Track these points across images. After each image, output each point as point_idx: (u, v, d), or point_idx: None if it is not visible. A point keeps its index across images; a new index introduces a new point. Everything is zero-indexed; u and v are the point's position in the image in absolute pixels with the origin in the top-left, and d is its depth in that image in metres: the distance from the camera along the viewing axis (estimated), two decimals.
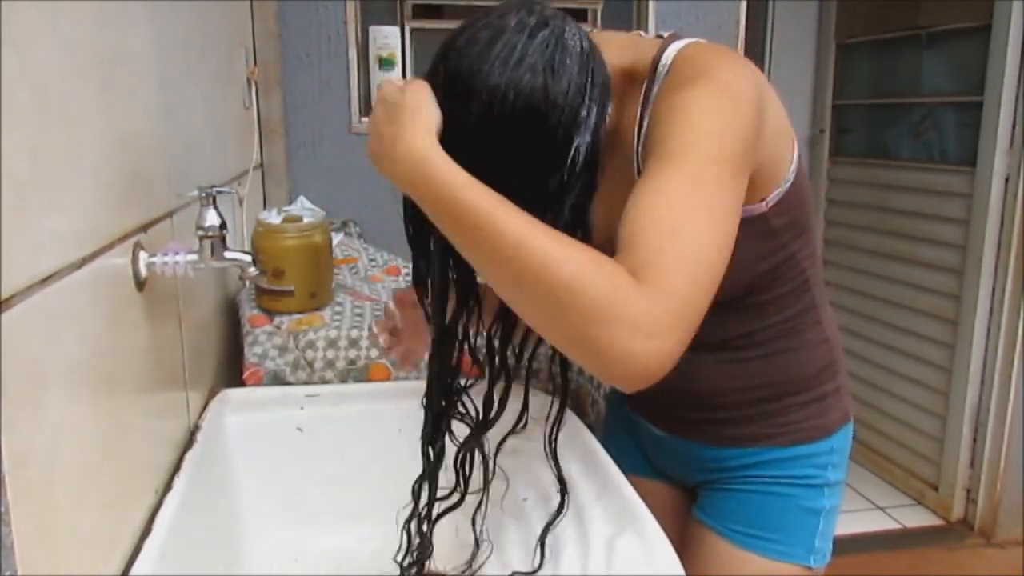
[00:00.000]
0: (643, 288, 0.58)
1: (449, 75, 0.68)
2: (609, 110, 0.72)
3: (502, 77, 0.65)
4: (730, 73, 0.71)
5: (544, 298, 0.60)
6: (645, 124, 0.76)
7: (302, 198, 1.99)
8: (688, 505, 1.00)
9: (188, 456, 0.85)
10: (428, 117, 0.66)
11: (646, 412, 1.01)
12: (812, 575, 0.93)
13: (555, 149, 0.68)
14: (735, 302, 0.85)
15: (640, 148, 0.77)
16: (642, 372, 0.59)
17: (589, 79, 0.68)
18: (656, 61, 0.76)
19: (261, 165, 1.90)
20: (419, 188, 0.64)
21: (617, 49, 0.79)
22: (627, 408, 1.05)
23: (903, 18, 2.68)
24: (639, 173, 0.76)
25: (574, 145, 0.68)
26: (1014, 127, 2.28)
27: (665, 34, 0.80)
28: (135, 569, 0.65)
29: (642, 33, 0.84)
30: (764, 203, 0.79)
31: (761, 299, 0.86)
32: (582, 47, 0.68)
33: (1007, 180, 2.31)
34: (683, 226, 0.62)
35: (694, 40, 0.77)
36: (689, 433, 0.96)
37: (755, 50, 3.07)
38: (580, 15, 2.13)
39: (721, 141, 0.68)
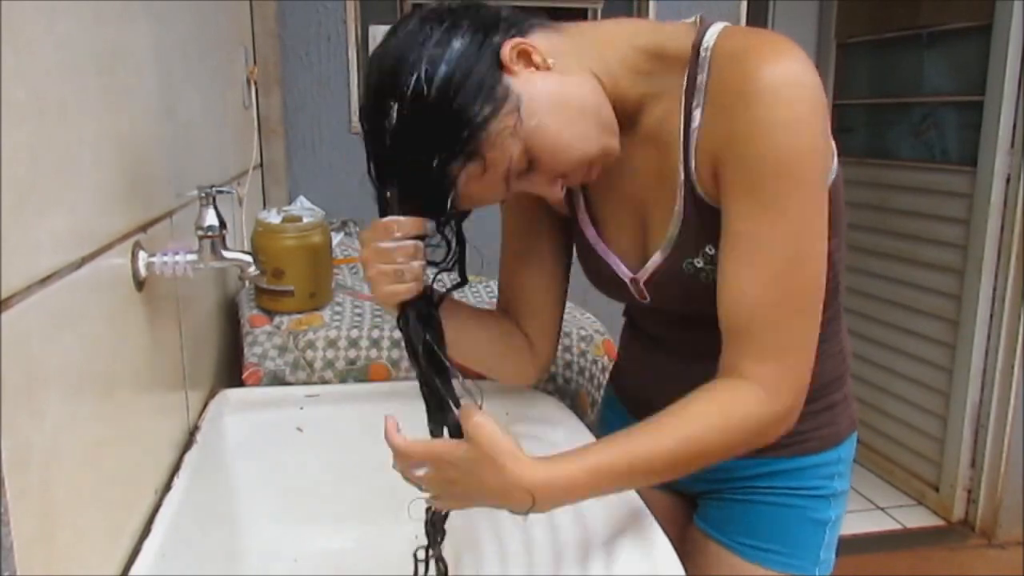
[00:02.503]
0: (778, 408, 0.71)
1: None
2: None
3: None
4: (795, 70, 0.67)
5: (714, 460, 0.72)
6: (697, 118, 0.72)
7: (302, 198, 1.98)
8: (688, 513, 0.98)
9: (188, 456, 0.85)
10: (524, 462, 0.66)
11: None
12: None
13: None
14: None
15: (694, 143, 0.73)
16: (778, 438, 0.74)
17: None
18: (697, 47, 0.72)
19: (261, 165, 1.90)
20: (572, 498, 0.69)
21: (636, 30, 0.76)
22: (628, 417, 1.03)
23: (903, 18, 2.68)
24: (686, 168, 0.74)
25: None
26: (1015, 127, 2.28)
27: (687, 20, 0.77)
28: (135, 569, 0.65)
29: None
30: None
31: None
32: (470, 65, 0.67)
33: (1008, 180, 2.31)
34: (794, 300, 0.70)
35: (728, 24, 0.74)
36: None
37: None
38: (580, 15, 2.13)
39: (808, 170, 0.68)
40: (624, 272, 0.84)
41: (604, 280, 0.87)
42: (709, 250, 0.75)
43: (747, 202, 0.68)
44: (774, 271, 0.68)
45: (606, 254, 0.85)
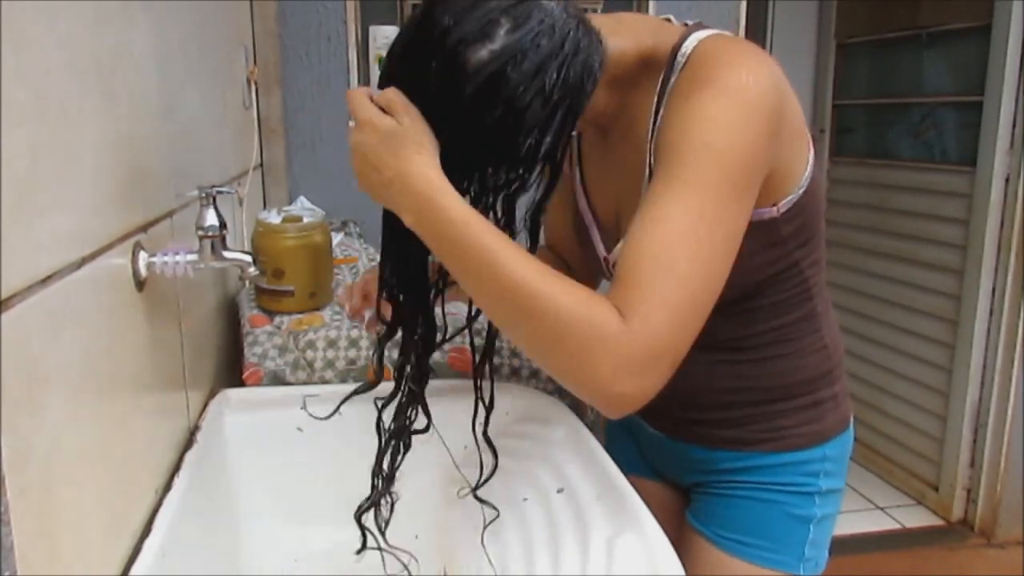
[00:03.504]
0: (629, 329, 0.62)
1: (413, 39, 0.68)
2: (579, 116, 0.70)
3: (462, 44, 0.64)
4: (749, 78, 0.69)
5: (537, 334, 0.65)
6: (660, 118, 0.74)
7: (302, 198, 1.98)
8: (683, 508, 1.00)
9: (188, 456, 0.85)
10: (432, 148, 0.67)
11: (642, 410, 1.01)
12: None
13: (505, 136, 0.67)
14: (731, 306, 0.84)
15: (653, 144, 0.76)
16: (621, 405, 0.65)
17: (557, 76, 0.66)
18: (676, 50, 0.74)
19: (261, 165, 1.90)
20: (425, 221, 0.66)
21: (638, 33, 0.77)
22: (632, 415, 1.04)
23: (903, 18, 2.68)
24: (651, 169, 0.76)
25: (528, 140, 0.67)
26: (1014, 127, 2.28)
27: (690, 22, 0.78)
28: (135, 569, 0.65)
29: (671, 18, 0.82)
30: (776, 208, 0.78)
31: (758, 304, 0.85)
32: (563, 39, 0.66)
33: (1007, 180, 2.31)
34: (677, 261, 0.65)
35: (717, 32, 0.75)
36: (681, 433, 0.96)
37: None
38: None
39: (731, 160, 0.67)
40: (600, 250, 0.89)
41: (590, 251, 0.92)
42: None
43: (663, 173, 0.68)
44: (670, 235, 0.65)
45: (591, 227, 0.91)
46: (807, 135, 0.80)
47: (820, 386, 0.90)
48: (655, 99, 0.75)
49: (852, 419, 0.96)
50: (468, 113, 0.66)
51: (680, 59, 0.74)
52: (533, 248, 0.75)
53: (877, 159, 2.83)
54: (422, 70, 0.66)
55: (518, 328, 0.67)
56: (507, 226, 0.73)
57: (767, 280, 0.83)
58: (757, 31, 3.03)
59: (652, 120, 0.76)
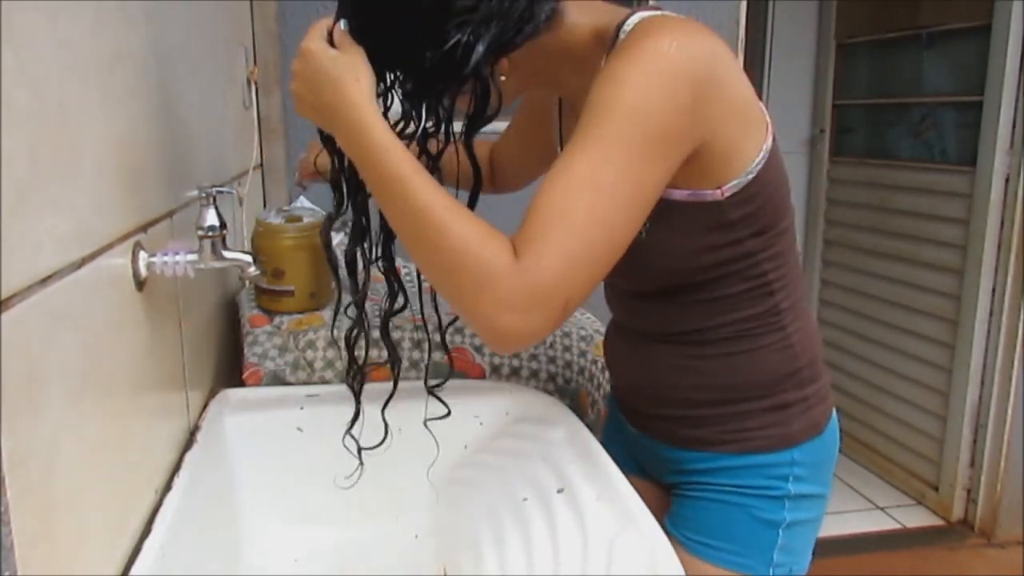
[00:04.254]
0: (518, 267, 0.65)
1: None
2: (507, 47, 0.74)
3: None
4: (672, 44, 0.69)
5: (434, 261, 0.69)
6: None
7: (302, 198, 1.98)
8: (665, 509, 0.97)
9: (188, 456, 0.85)
10: (369, 81, 0.72)
11: (622, 407, 1.01)
12: None
13: (434, 16, 0.72)
14: (681, 294, 0.84)
15: None
16: (506, 340, 0.68)
17: None
18: (619, 27, 0.76)
19: (261, 165, 1.90)
20: (353, 144, 0.72)
21: (598, 13, 0.80)
22: (615, 406, 1.05)
23: (903, 18, 2.68)
24: None
25: (455, 33, 0.72)
26: (1014, 127, 2.28)
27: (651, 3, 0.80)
28: (135, 569, 0.65)
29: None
30: (720, 191, 0.77)
31: (711, 295, 0.84)
32: None
33: (1007, 180, 2.31)
34: (575, 209, 0.67)
35: (663, 13, 0.76)
36: (652, 431, 0.95)
37: (755, 50, 3.08)
38: None
39: (642, 118, 0.68)
40: None
41: None
42: None
43: (576, 133, 0.70)
44: (570, 184, 0.67)
45: None
46: (765, 122, 0.79)
47: (786, 388, 0.88)
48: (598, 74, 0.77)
49: (829, 424, 0.92)
50: None
51: (621, 35, 0.75)
52: (474, 168, 0.80)
53: (877, 159, 2.83)
54: None
55: (421, 255, 0.71)
56: (439, 133, 0.79)
57: (716, 267, 0.82)
58: (757, 31, 3.03)
59: None
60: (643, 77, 0.68)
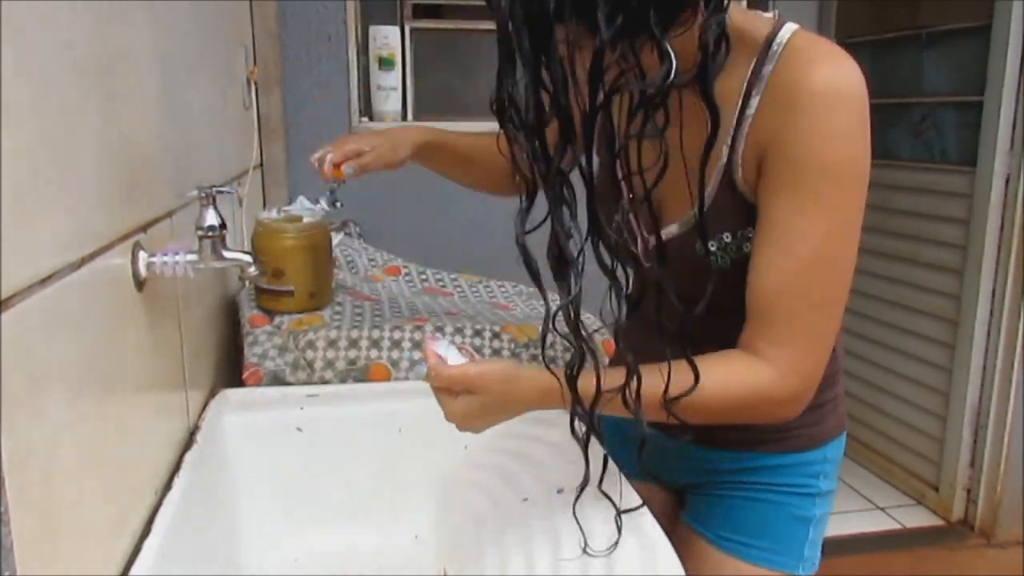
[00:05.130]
0: (785, 384, 0.73)
1: None
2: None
3: None
4: (850, 74, 0.70)
5: (719, 419, 0.77)
6: (753, 104, 0.74)
7: (302, 198, 1.98)
8: (677, 509, 0.99)
9: (188, 456, 0.85)
10: (517, 386, 0.74)
11: None
12: None
13: None
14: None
15: (744, 130, 0.75)
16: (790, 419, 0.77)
17: None
18: (770, 40, 0.75)
19: (261, 165, 1.90)
20: (554, 404, 0.74)
21: (733, 9, 0.74)
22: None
23: (903, 18, 2.68)
24: (730, 151, 0.76)
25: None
26: (1014, 127, 2.28)
27: (768, 14, 0.79)
28: (135, 569, 0.65)
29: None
30: None
31: None
32: None
33: (1007, 180, 2.31)
34: (812, 291, 0.72)
35: (798, 27, 0.77)
36: (681, 431, 0.95)
37: None
38: None
39: (855, 172, 0.71)
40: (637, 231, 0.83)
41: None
42: (726, 237, 0.78)
43: (787, 195, 0.72)
44: (802, 264, 0.71)
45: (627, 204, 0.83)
46: None
47: (824, 388, 0.89)
48: (745, 81, 0.75)
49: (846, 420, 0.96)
50: None
51: (776, 47, 0.74)
52: (714, 119, 0.67)
53: (877, 159, 2.78)
54: None
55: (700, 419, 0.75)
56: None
57: None
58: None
59: (740, 104, 0.75)
60: (846, 127, 0.70)
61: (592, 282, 0.81)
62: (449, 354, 0.77)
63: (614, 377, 0.70)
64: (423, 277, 1.44)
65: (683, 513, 0.98)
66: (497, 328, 1.12)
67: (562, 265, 0.68)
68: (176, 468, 0.83)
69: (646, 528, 0.74)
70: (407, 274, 1.45)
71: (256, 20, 1.84)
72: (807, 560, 0.92)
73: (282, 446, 1.02)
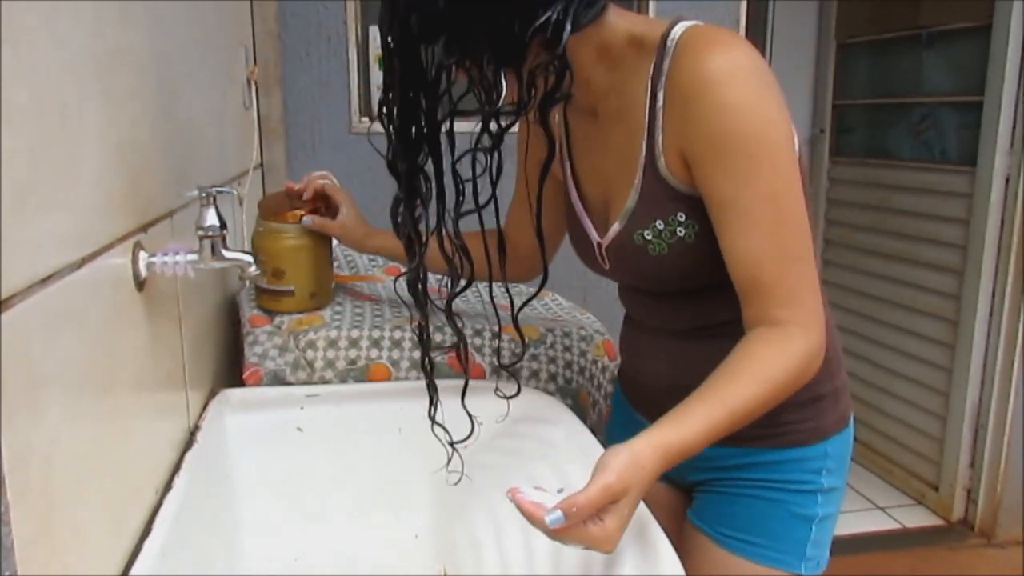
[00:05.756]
0: (808, 340, 0.76)
1: None
2: (577, 26, 0.74)
3: None
4: (748, 53, 0.75)
5: (783, 398, 0.78)
6: (660, 99, 0.80)
7: None
8: (684, 507, 0.99)
9: (188, 456, 0.85)
10: (633, 488, 0.68)
11: (646, 411, 1.01)
12: None
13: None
14: (725, 289, 0.84)
15: (659, 123, 0.81)
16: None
17: None
18: (665, 37, 0.80)
19: (261, 165, 1.90)
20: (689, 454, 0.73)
21: (633, 19, 0.83)
22: (630, 408, 1.04)
23: (903, 18, 2.68)
24: (648, 144, 0.82)
25: (543, 16, 0.72)
26: (1014, 127, 2.28)
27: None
28: (135, 569, 0.65)
29: None
30: None
31: None
32: None
33: (1007, 180, 2.31)
34: (788, 248, 0.76)
35: (696, 23, 0.81)
36: None
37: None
38: None
39: (772, 134, 0.75)
40: (594, 235, 0.92)
41: (579, 242, 0.96)
42: (658, 224, 0.83)
43: (723, 176, 0.76)
44: (768, 228, 0.75)
45: (582, 216, 0.94)
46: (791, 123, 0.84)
47: (820, 379, 0.88)
48: (648, 83, 0.80)
49: (852, 417, 0.96)
50: None
51: (670, 43, 0.79)
52: (550, 144, 0.77)
53: (877, 159, 2.83)
54: None
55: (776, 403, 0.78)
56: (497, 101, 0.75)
57: None
58: (757, 31, 3.03)
59: (647, 103, 0.81)
60: (746, 95, 0.74)
61: (603, 289, 0.85)
62: (541, 497, 0.66)
63: (698, 419, 0.73)
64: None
65: (689, 511, 0.98)
66: (497, 328, 1.12)
67: (411, 244, 0.81)
68: (176, 468, 0.83)
69: (646, 528, 0.74)
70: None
71: (256, 20, 1.85)
72: (810, 560, 0.91)
73: (282, 446, 1.02)
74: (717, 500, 0.94)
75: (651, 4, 2.17)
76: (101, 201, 0.67)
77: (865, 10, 2.87)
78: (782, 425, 0.89)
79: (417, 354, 1.08)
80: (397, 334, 1.09)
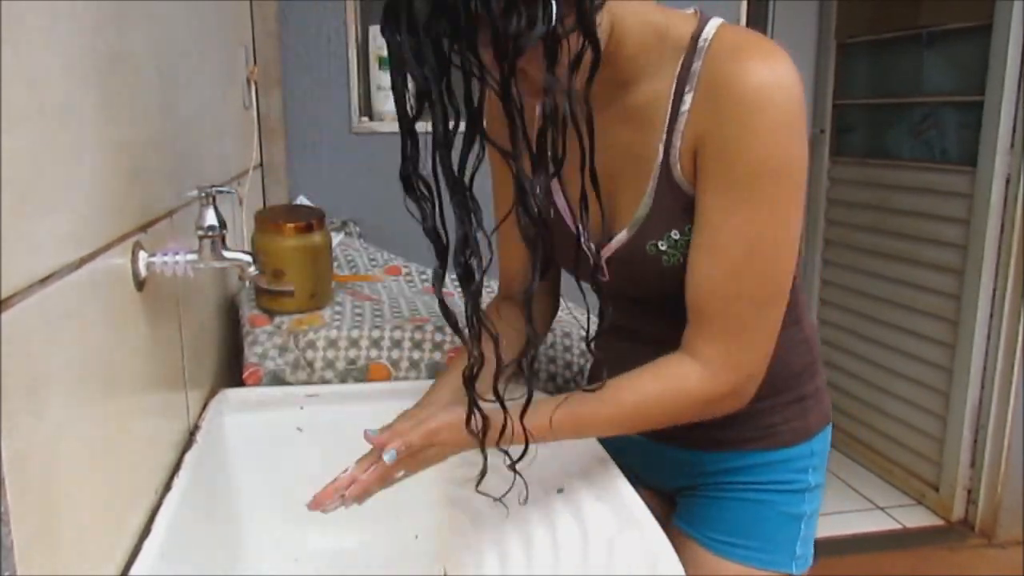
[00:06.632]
0: (716, 381, 0.74)
1: None
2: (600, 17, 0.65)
3: None
4: (782, 71, 0.68)
5: (657, 424, 0.79)
6: (687, 102, 0.73)
7: (302, 198, 1.99)
8: (669, 514, 0.98)
9: (188, 456, 0.85)
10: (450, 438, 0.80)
11: None
12: None
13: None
14: None
15: (679, 127, 0.74)
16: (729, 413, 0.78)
17: None
18: (696, 37, 0.74)
19: (261, 165, 1.90)
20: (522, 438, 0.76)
21: (648, 7, 0.74)
22: None
23: (903, 18, 2.68)
24: (666, 149, 0.75)
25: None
26: (1015, 127, 2.28)
27: (689, 11, 0.77)
28: (135, 569, 0.65)
29: None
30: None
31: None
32: None
33: (1008, 180, 2.31)
34: (746, 289, 0.73)
35: (723, 21, 0.75)
36: (669, 436, 0.94)
37: None
38: None
39: (791, 167, 0.70)
40: (589, 246, 0.82)
41: (565, 253, 0.85)
42: (674, 234, 0.77)
43: (720, 194, 0.72)
44: (735, 263, 0.72)
45: (565, 213, 0.83)
46: None
47: (803, 380, 0.90)
48: (674, 81, 0.74)
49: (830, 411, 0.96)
50: None
51: (702, 44, 0.73)
52: (591, 138, 0.66)
53: (877, 159, 2.83)
54: None
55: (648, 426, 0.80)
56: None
57: None
58: (757, 31, 3.03)
59: (672, 102, 0.74)
60: (777, 125, 0.68)
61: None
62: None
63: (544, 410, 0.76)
64: (423, 277, 1.44)
65: (674, 517, 0.97)
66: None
67: (468, 272, 0.70)
68: (176, 468, 0.83)
69: (646, 528, 0.74)
70: (407, 274, 1.45)
71: (256, 20, 1.85)
72: (800, 558, 0.91)
73: (282, 446, 1.02)
74: (705, 504, 0.93)
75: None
76: (100, 201, 0.67)
77: (865, 10, 2.87)
78: (769, 427, 0.89)
79: (416, 354, 1.08)
80: (397, 334, 1.09)
